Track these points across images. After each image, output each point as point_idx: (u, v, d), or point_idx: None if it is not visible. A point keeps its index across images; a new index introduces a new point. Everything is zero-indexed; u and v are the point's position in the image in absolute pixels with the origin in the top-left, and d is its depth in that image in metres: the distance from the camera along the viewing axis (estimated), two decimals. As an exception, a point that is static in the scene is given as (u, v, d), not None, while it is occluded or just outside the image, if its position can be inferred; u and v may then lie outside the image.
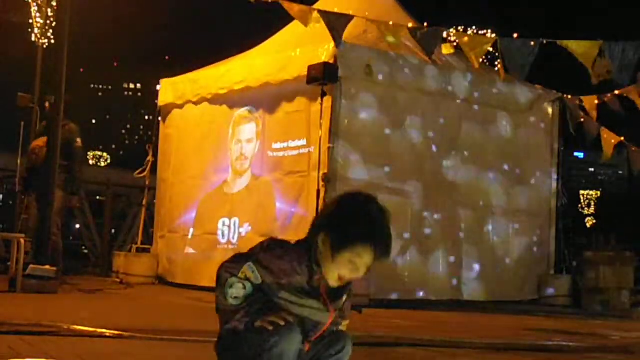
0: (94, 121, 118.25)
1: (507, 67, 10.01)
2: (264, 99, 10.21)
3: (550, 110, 11.67)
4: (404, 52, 10.20)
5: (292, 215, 9.57)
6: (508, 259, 10.99)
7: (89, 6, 14.28)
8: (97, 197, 17.35)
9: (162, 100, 12.09)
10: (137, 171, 12.33)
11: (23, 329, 4.80)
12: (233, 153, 10.73)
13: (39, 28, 15.12)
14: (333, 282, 2.45)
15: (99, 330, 4.84)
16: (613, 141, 11.74)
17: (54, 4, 14.52)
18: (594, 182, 79.56)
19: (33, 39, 15.39)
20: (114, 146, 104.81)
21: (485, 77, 11.19)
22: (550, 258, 11.49)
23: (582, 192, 65.82)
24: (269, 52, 10.91)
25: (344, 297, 2.53)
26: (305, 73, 9.15)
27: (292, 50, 10.05)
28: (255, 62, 10.67)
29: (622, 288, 10.98)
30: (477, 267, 10.63)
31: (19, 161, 12.31)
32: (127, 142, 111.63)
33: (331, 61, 9.22)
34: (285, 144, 9.92)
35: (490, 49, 9.83)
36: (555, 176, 11.68)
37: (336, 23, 9.13)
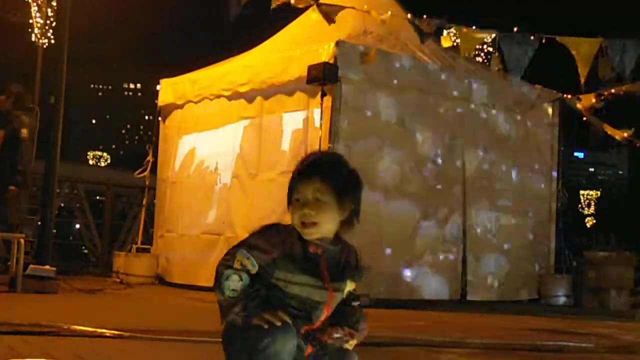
0: (94, 121, 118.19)
1: (507, 64, 10.01)
2: (264, 99, 10.20)
3: (550, 110, 11.67)
4: (403, 52, 10.20)
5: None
6: (508, 258, 10.99)
7: (89, 6, 14.29)
8: (97, 197, 17.35)
9: (162, 100, 12.09)
10: (137, 171, 12.33)
11: (23, 329, 4.80)
12: (232, 153, 10.72)
13: (39, 28, 15.13)
14: (306, 234, 2.36)
15: (99, 330, 4.84)
16: (617, 135, 11.72)
17: (54, 4, 14.55)
18: (594, 182, 79.45)
19: (33, 39, 15.40)
20: (114, 146, 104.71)
21: (485, 77, 11.19)
22: (550, 258, 11.49)
23: (582, 192, 65.77)
24: (269, 53, 10.91)
25: (347, 281, 2.46)
26: (306, 73, 9.15)
27: (292, 50, 10.05)
28: (255, 63, 10.67)
29: (622, 288, 10.98)
30: (477, 267, 10.63)
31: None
32: (127, 142, 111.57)
33: (331, 61, 9.22)
34: (285, 144, 9.91)
35: (491, 49, 9.83)
36: (555, 176, 11.68)
37: (332, 9, 9.12)
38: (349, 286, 2.48)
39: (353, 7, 9.66)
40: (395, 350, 4.96)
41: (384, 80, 9.90)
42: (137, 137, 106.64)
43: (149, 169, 12.09)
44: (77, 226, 17.30)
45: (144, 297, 9.24)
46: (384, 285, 9.43)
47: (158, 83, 12.24)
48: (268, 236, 2.37)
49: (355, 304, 2.57)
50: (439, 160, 10.41)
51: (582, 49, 9.45)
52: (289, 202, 2.39)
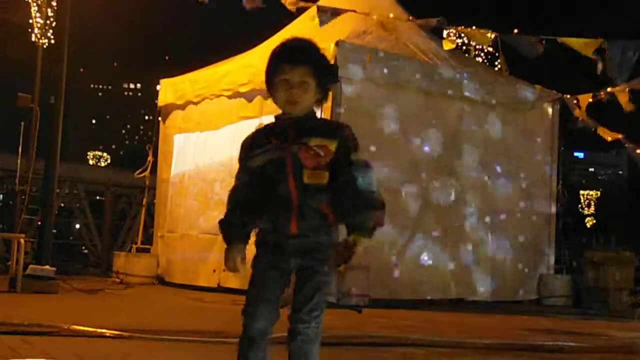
0: (94, 121, 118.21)
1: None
2: (265, 99, 10.19)
3: (550, 110, 11.67)
4: (404, 52, 10.20)
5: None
6: (508, 259, 10.99)
7: (88, 6, 14.30)
8: (97, 197, 17.36)
9: (162, 100, 12.08)
10: (137, 171, 12.34)
11: (23, 329, 4.80)
12: (232, 152, 10.71)
13: (39, 28, 15.12)
14: (290, 110, 2.67)
15: (99, 330, 4.84)
16: (610, 138, 11.76)
17: (54, 4, 14.54)
18: (594, 182, 79.44)
19: (33, 39, 15.39)
20: (114, 146, 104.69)
21: (485, 77, 11.19)
22: (550, 258, 11.49)
23: (582, 192, 65.74)
24: (269, 53, 10.87)
25: (311, 138, 2.59)
26: (305, 73, 9.13)
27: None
28: (255, 63, 10.65)
29: (622, 288, 10.98)
30: (477, 267, 10.62)
31: (19, 161, 12.31)
32: (127, 142, 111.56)
33: (331, 61, 9.21)
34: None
35: (491, 49, 9.83)
36: (555, 176, 11.68)
37: (330, 13, 9.12)
38: (320, 142, 2.58)
39: (354, 11, 9.64)
40: (395, 351, 4.96)
41: (384, 80, 9.89)
42: (137, 137, 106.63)
43: (149, 169, 12.09)
44: (77, 226, 17.32)
45: (144, 297, 9.24)
46: (383, 285, 9.43)
47: (158, 83, 12.24)
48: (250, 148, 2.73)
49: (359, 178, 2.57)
50: (439, 159, 10.40)
51: (581, 49, 9.45)
52: (269, 84, 2.72)
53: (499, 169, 11.06)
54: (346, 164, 2.57)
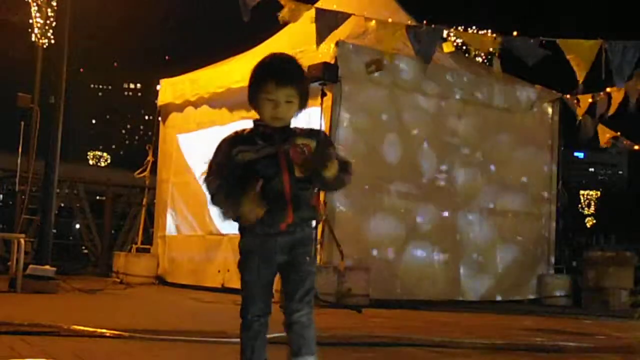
0: (94, 121, 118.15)
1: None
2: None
3: (550, 110, 11.67)
4: (403, 52, 10.19)
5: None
6: (508, 258, 10.99)
7: (89, 6, 14.30)
8: (97, 197, 17.37)
9: (162, 100, 12.09)
10: (137, 171, 12.34)
11: (23, 329, 4.80)
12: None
13: (39, 28, 15.12)
14: (275, 123, 2.79)
15: (99, 330, 4.84)
16: (608, 135, 11.77)
17: (54, 4, 14.55)
18: (594, 182, 79.52)
19: (33, 39, 15.40)
20: (114, 146, 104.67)
21: (484, 77, 11.19)
22: (550, 258, 11.49)
23: (582, 192, 65.78)
24: (269, 53, 10.87)
25: (297, 137, 2.75)
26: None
27: (292, 50, 10.03)
28: (256, 63, 10.64)
29: (622, 288, 10.97)
30: (477, 267, 10.63)
31: (19, 161, 12.31)
32: (127, 142, 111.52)
33: (331, 61, 9.22)
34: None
35: (491, 49, 9.82)
36: (555, 176, 11.68)
37: (330, 21, 9.10)
38: (304, 141, 2.73)
39: (353, 14, 9.63)
40: (395, 350, 4.96)
41: (384, 80, 9.90)
42: (137, 137, 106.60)
43: (149, 169, 12.09)
44: (77, 226, 17.32)
45: (144, 297, 9.24)
46: (383, 285, 9.43)
47: (158, 83, 12.24)
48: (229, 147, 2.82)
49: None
50: (438, 159, 10.40)
51: (582, 51, 9.44)
52: (254, 98, 2.83)
53: (498, 168, 11.06)
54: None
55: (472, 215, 10.65)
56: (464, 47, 13.90)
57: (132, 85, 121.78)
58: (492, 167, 11.00)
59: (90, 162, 73.18)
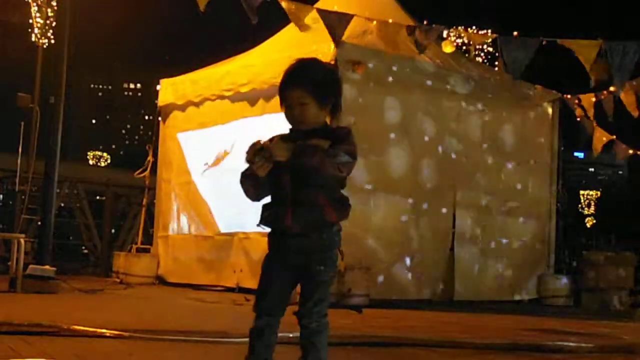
0: (94, 121, 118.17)
1: (506, 65, 10.01)
2: (265, 99, 10.19)
3: (550, 110, 11.67)
4: (403, 52, 10.20)
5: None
6: (508, 258, 10.99)
7: (89, 6, 14.30)
8: (97, 197, 17.37)
9: (162, 100, 12.08)
10: (137, 171, 12.33)
11: (23, 329, 4.80)
12: (232, 152, 10.70)
13: (39, 28, 15.13)
14: (299, 126, 2.84)
15: (99, 330, 4.84)
16: (604, 139, 11.79)
17: (54, 4, 14.55)
18: (594, 182, 79.52)
19: (33, 39, 15.40)
20: (114, 146, 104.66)
21: (484, 77, 11.19)
22: (550, 258, 11.50)
23: (582, 192, 65.80)
24: (269, 53, 10.89)
25: (312, 138, 2.78)
26: (306, 73, 9.12)
27: (292, 50, 10.03)
28: (256, 63, 10.66)
29: (622, 288, 10.98)
30: (476, 267, 10.63)
31: (19, 161, 12.32)
32: (127, 142, 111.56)
33: (331, 61, 9.22)
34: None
35: (491, 49, 9.83)
36: (555, 176, 11.68)
37: (336, 23, 9.13)
38: (317, 141, 2.77)
39: (356, 15, 9.64)
40: (395, 350, 4.96)
41: (384, 80, 9.90)
42: (137, 137, 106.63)
43: (149, 169, 12.08)
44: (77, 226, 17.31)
45: (144, 297, 9.24)
46: (383, 285, 9.43)
47: (158, 83, 12.23)
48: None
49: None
50: (438, 159, 10.40)
51: (582, 52, 9.44)
52: (280, 104, 2.90)
53: (497, 168, 11.06)
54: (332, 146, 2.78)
55: (472, 215, 10.65)
56: (464, 47, 13.90)
57: (132, 85, 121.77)
58: (492, 167, 10.99)
59: (90, 162, 73.14)
